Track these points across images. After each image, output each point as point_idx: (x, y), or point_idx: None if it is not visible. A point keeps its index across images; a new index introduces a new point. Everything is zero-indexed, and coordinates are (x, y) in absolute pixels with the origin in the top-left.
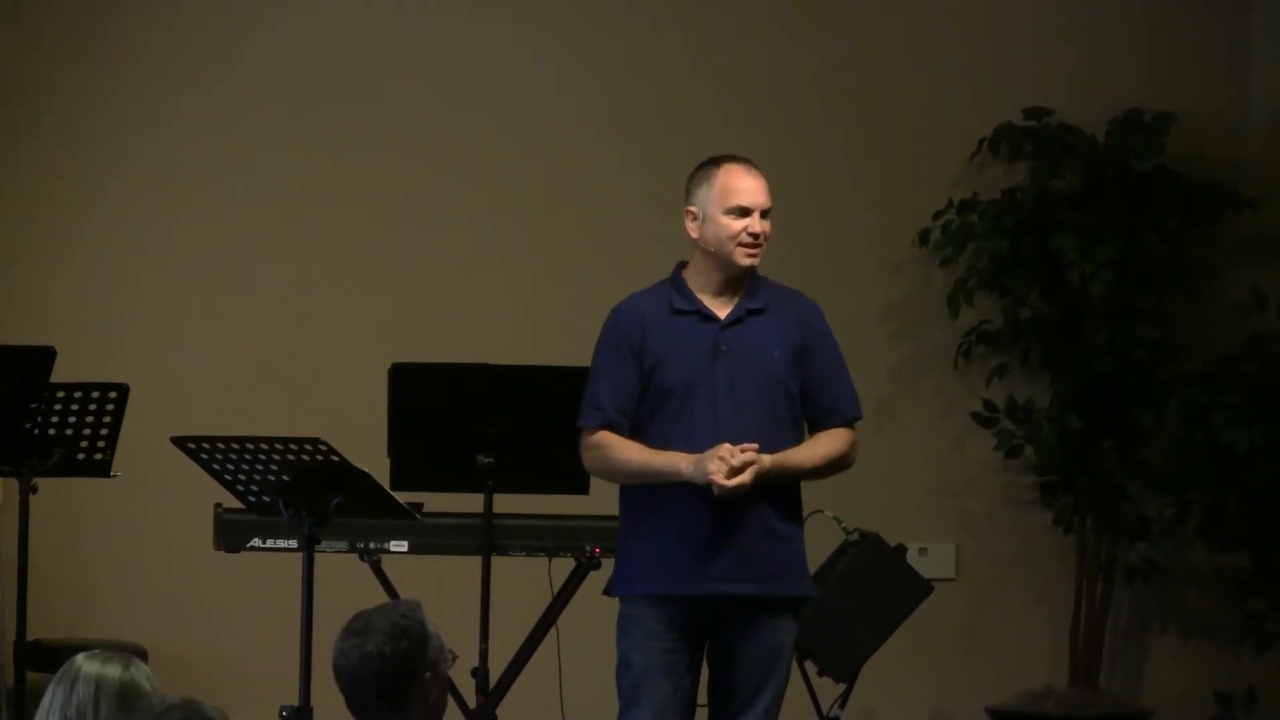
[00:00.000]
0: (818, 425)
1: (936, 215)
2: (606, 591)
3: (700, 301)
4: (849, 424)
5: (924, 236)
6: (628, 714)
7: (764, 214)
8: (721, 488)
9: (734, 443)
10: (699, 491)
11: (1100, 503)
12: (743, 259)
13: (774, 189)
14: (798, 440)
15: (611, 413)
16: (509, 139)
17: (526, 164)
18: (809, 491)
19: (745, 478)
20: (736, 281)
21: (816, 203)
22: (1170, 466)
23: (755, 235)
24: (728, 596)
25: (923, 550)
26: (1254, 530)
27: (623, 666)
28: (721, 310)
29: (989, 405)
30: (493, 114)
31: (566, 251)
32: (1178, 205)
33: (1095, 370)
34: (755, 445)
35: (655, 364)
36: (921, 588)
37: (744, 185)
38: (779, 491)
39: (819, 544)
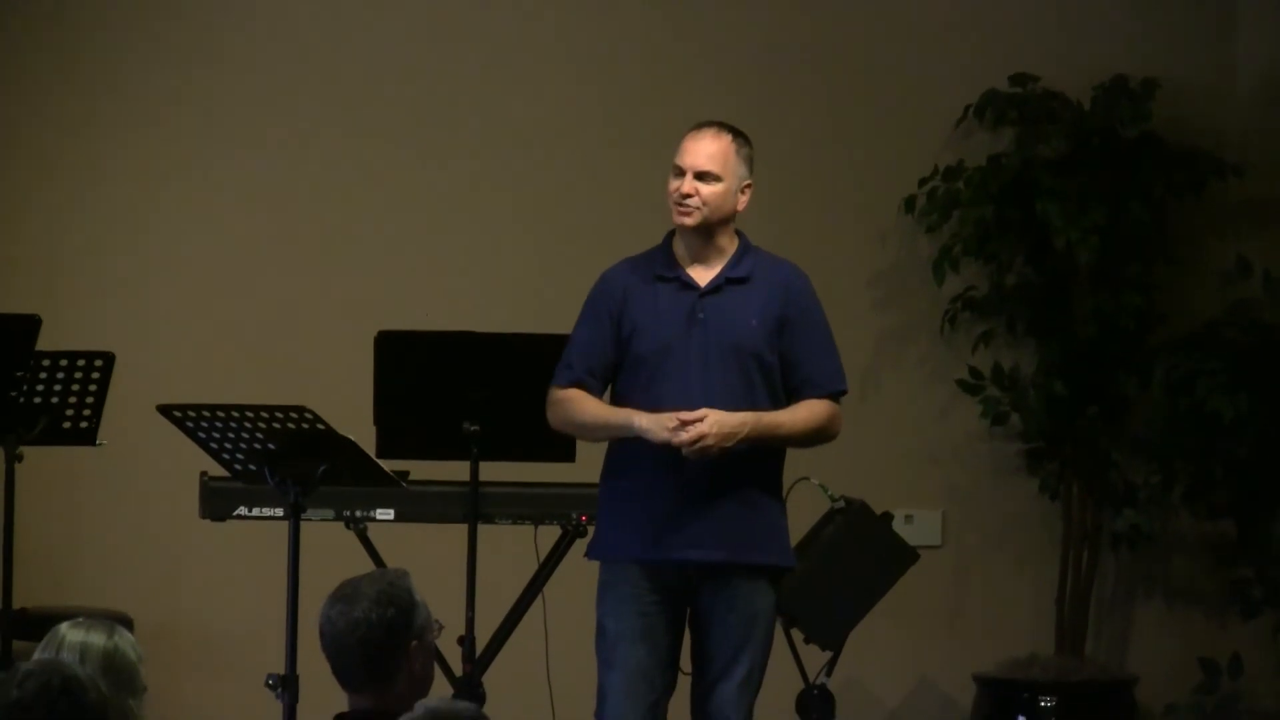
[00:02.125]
0: (799, 397)
1: (922, 182)
2: (587, 554)
3: (682, 268)
4: (831, 397)
5: (909, 204)
6: (603, 678)
7: (701, 176)
8: (688, 448)
9: (697, 406)
10: (675, 457)
11: (1086, 470)
12: (676, 217)
13: (760, 157)
14: (773, 408)
15: (581, 373)
16: (495, 109)
17: (513, 132)
18: (794, 459)
19: (704, 428)
20: (721, 248)
21: (802, 171)
22: (1156, 434)
23: (686, 195)
24: (700, 563)
25: (909, 518)
26: (1239, 497)
27: (599, 631)
28: (703, 278)
29: (974, 372)
30: (477, 84)
31: (553, 219)
32: (1163, 172)
33: (1081, 337)
34: (704, 413)
35: (633, 330)
36: (908, 555)
37: (686, 145)
38: (757, 460)
39: (805, 511)
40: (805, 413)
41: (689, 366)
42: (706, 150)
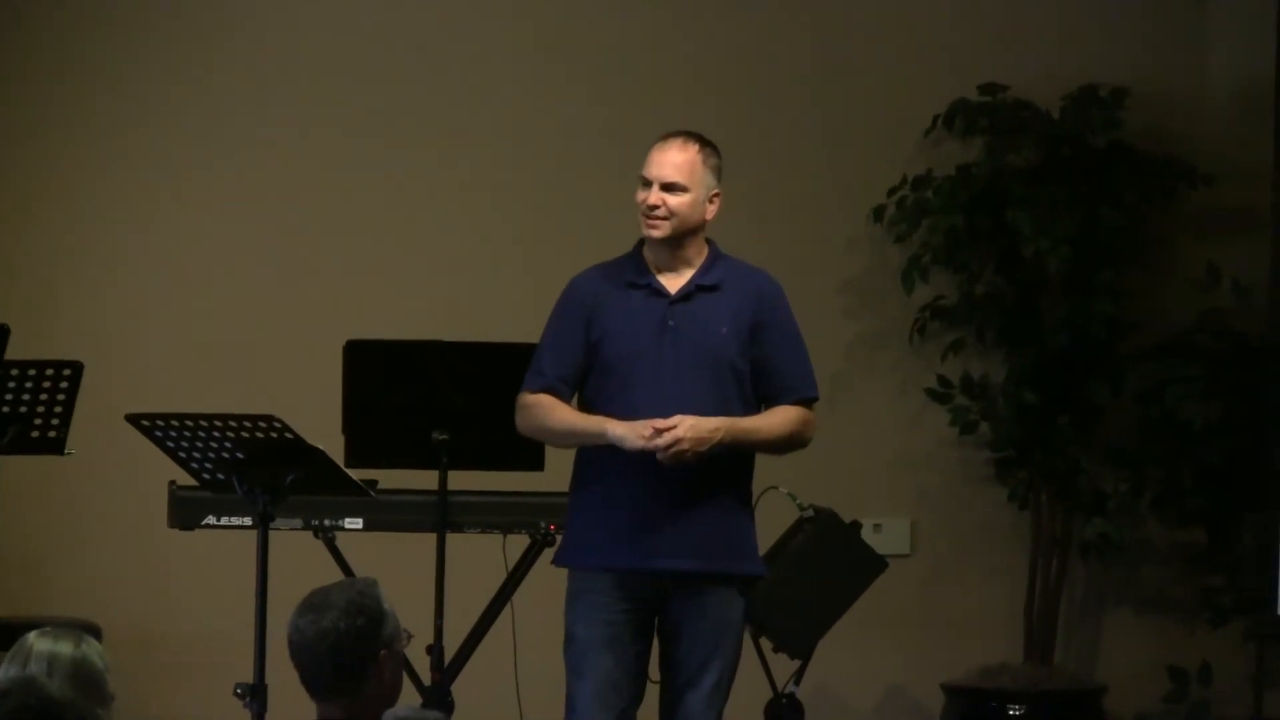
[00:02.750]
0: (770, 403)
1: (891, 191)
2: (555, 561)
3: (653, 275)
4: (804, 403)
5: (879, 213)
6: (573, 687)
7: (668, 188)
8: (664, 453)
9: (668, 414)
10: (646, 465)
11: (1056, 478)
12: (644, 229)
13: (730, 166)
14: (745, 415)
15: (552, 379)
16: (467, 116)
17: (486, 140)
18: (763, 467)
19: (680, 433)
20: (689, 257)
21: (772, 179)
22: (1126, 442)
23: (653, 207)
24: (673, 572)
25: (878, 526)
26: (1209, 506)
27: (568, 639)
28: (674, 285)
29: (944, 381)
30: (450, 90)
31: (524, 228)
32: (1134, 181)
33: (1051, 346)
34: (679, 419)
35: (603, 336)
36: (876, 564)
37: (653, 156)
38: (729, 468)
39: (774, 520)
40: (779, 419)
41: (661, 373)
42: (673, 161)
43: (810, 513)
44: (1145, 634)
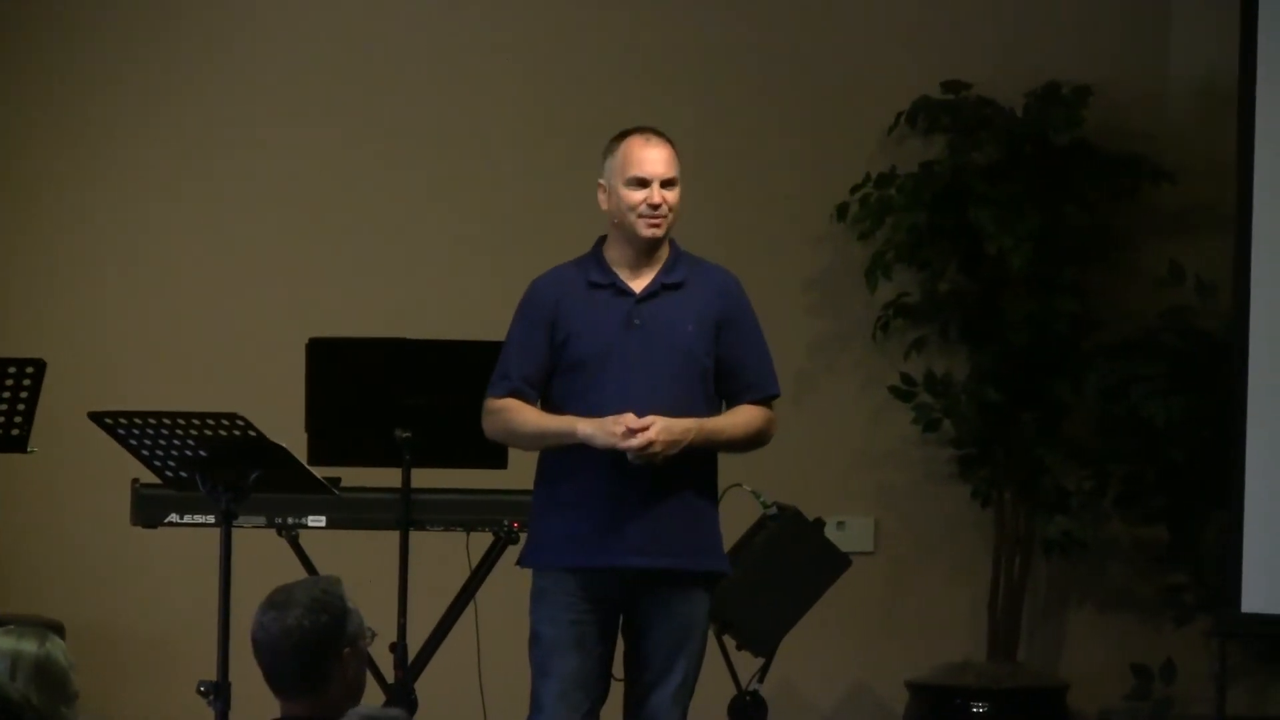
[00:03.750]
0: (734, 401)
1: (854, 189)
2: (519, 563)
3: (616, 275)
4: (767, 401)
5: (842, 210)
6: (538, 686)
7: (666, 184)
8: (635, 452)
9: (636, 413)
10: (613, 463)
11: (1019, 476)
12: (644, 230)
13: (693, 163)
14: (710, 413)
15: (518, 382)
16: (431, 116)
17: (447, 137)
18: (727, 465)
19: (652, 434)
20: (652, 255)
21: (735, 176)
22: (1089, 440)
23: (655, 206)
24: (639, 570)
25: (841, 524)
26: (1173, 503)
27: (533, 639)
28: (638, 284)
29: (907, 379)
30: (414, 91)
31: (487, 225)
32: (1097, 178)
33: (1014, 343)
34: (650, 420)
35: (567, 337)
36: (840, 561)
37: (643, 155)
38: (694, 465)
39: (737, 518)
40: (744, 418)
41: (628, 372)
42: (664, 158)
43: (774, 510)
44: (1109, 631)
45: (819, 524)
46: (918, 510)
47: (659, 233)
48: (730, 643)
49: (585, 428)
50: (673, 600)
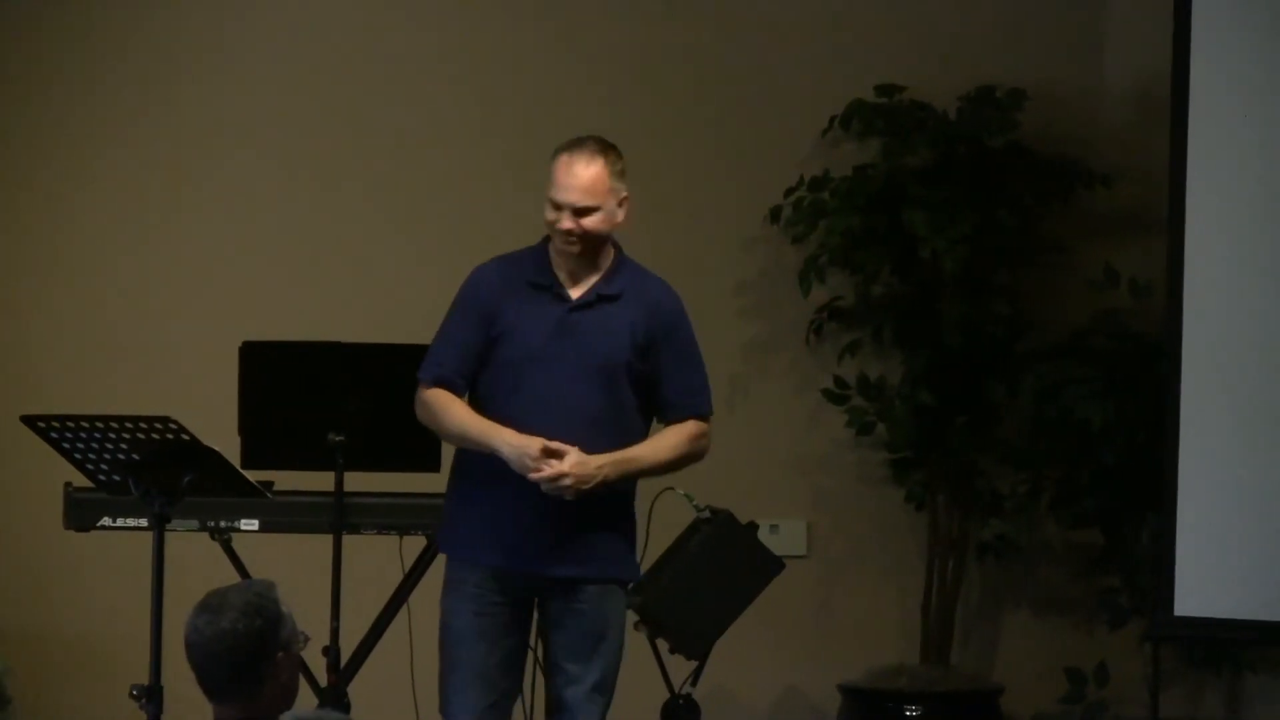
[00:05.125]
0: (662, 418)
1: (788, 192)
2: (437, 544)
3: (556, 278)
4: (696, 418)
5: (775, 214)
6: (445, 678)
7: (580, 212)
8: (546, 486)
9: (568, 425)
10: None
11: (953, 479)
12: (560, 246)
13: (627, 166)
14: (645, 427)
15: (448, 371)
16: (365, 115)
17: (383, 140)
18: None
19: (564, 467)
20: (594, 261)
21: (670, 180)
22: (1023, 443)
23: (565, 232)
24: (542, 575)
25: (774, 527)
26: (1107, 506)
27: (443, 629)
28: (577, 290)
29: (840, 382)
30: (346, 88)
31: (421, 229)
32: (1031, 182)
33: (948, 346)
34: (572, 449)
35: (501, 333)
36: (773, 565)
37: (561, 180)
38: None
39: (670, 521)
40: (668, 441)
41: (555, 380)
42: (581, 185)
43: (707, 514)
44: (1043, 635)
45: (752, 527)
46: (851, 513)
47: (574, 252)
48: (663, 646)
49: (505, 449)
50: (580, 607)
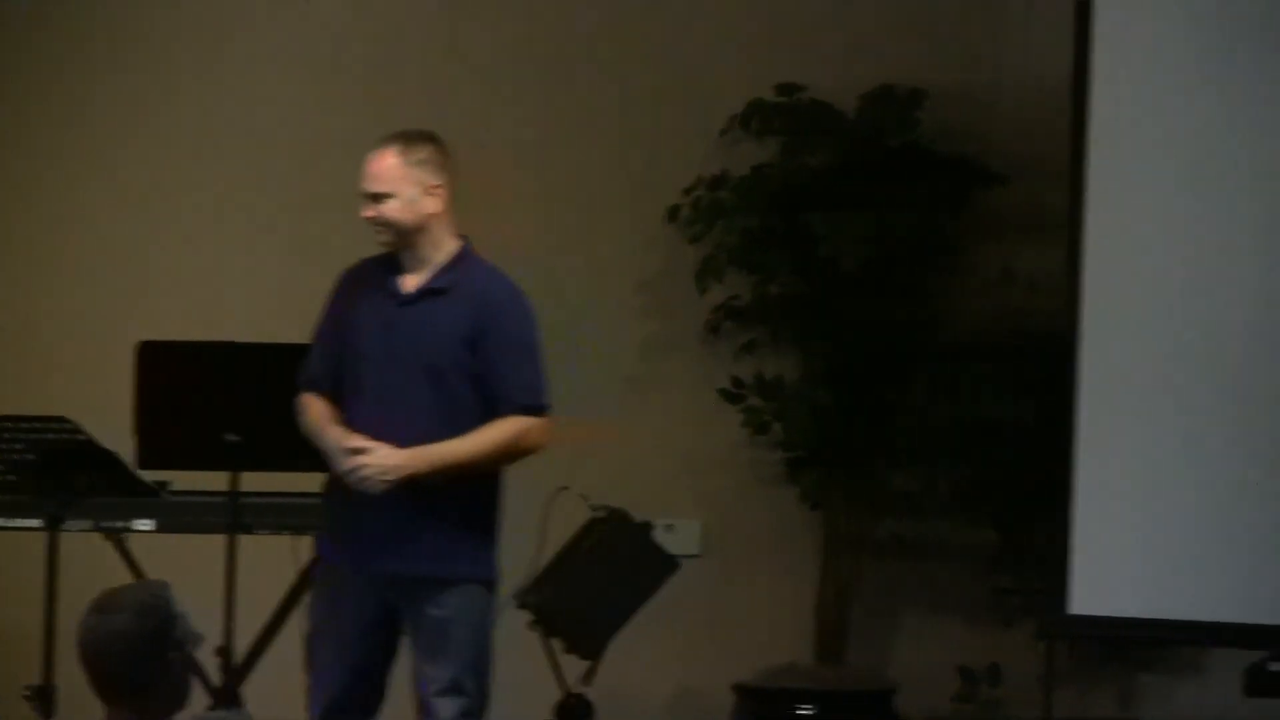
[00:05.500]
0: (491, 413)
1: (686, 191)
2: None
3: (394, 276)
4: (524, 411)
5: (673, 213)
6: (308, 678)
7: (375, 198)
8: (350, 480)
9: (406, 423)
10: None
11: (849, 478)
12: (376, 238)
13: (524, 164)
14: (476, 423)
15: (314, 373)
16: (258, 115)
17: (276, 138)
18: (555, 468)
19: (362, 460)
20: (428, 256)
21: (566, 178)
22: (920, 442)
23: (370, 219)
24: (383, 574)
25: (669, 527)
26: (1002, 506)
27: (308, 629)
28: (408, 286)
29: (737, 382)
30: (239, 81)
31: (318, 228)
32: (930, 181)
33: (846, 346)
34: (380, 445)
35: (344, 331)
36: (667, 564)
37: (364, 170)
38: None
39: (565, 521)
40: (488, 435)
41: (387, 379)
42: (373, 173)
43: (601, 513)
44: (938, 634)
45: (646, 526)
46: (746, 513)
47: (384, 241)
48: (557, 645)
49: (325, 449)
50: (425, 604)
